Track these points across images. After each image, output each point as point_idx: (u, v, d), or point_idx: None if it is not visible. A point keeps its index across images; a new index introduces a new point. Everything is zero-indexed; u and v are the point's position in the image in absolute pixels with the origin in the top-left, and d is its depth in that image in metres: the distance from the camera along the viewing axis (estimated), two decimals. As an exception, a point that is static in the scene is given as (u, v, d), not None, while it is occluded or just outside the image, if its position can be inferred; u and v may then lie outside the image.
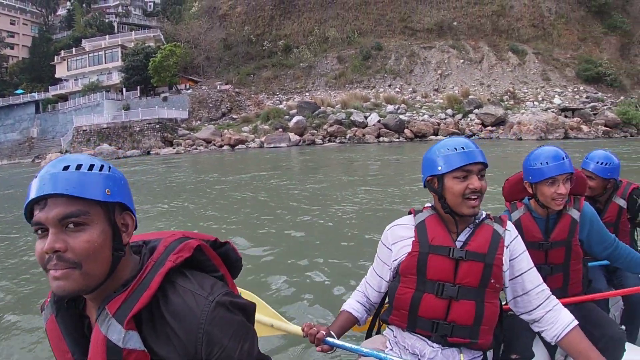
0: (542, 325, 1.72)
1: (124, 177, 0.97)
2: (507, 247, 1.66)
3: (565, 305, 1.89)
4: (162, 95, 32.55)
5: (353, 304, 1.82)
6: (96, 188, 0.90)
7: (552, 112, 25.41)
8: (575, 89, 30.15)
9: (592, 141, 22.96)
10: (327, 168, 14.48)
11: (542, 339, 1.85)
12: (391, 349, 1.72)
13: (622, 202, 2.99)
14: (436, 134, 23.12)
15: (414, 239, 1.66)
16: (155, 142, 27.10)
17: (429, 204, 1.72)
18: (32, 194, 0.87)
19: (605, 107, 26.98)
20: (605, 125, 25.05)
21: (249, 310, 1.01)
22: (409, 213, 1.78)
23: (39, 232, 0.87)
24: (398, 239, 1.72)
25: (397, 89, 28.92)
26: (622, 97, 29.54)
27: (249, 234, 6.12)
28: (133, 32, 42.15)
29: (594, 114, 26.09)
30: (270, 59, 33.11)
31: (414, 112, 24.92)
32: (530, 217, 2.17)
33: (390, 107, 25.32)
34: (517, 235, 1.71)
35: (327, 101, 26.58)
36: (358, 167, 14.11)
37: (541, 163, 1.96)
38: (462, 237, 1.64)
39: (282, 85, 30.81)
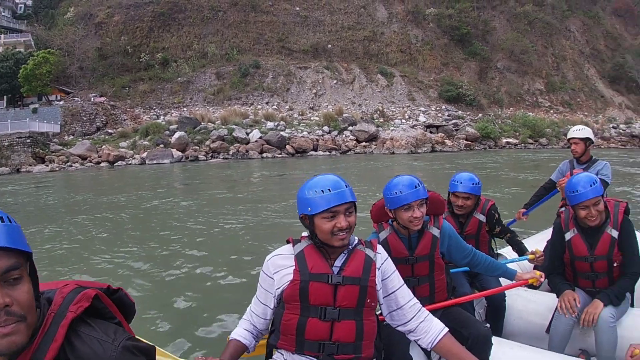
0: (417, 334, 1.94)
1: None
2: (379, 269, 1.85)
3: (434, 310, 2.19)
4: (32, 106, 31.14)
5: (241, 332, 1.92)
6: (21, 238, 0.94)
7: (420, 128, 29.49)
8: (438, 108, 34.83)
9: (456, 153, 27.30)
10: (212, 185, 14.92)
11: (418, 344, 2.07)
12: None
13: (482, 217, 3.44)
14: (315, 150, 25.27)
15: (294, 267, 1.79)
16: (26, 158, 25.69)
17: (305, 233, 1.88)
18: None
19: (465, 124, 31.92)
20: (466, 139, 29.80)
21: (151, 353, 1.08)
22: (287, 242, 1.92)
23: None
24: (279, 268, 1.83)
25: (274, 107, 30.76)
26: (480, 115, 35.43)
27: (128, 263, 6.19)
28: (2, 36, 39.03)
29: (456, 130, 30.69)
30: (147, 71, 33.02)
31: (293, 128, 26.71)
32: (395, 237, 2.46)
33: (270, 124, 26.76)
34: (387, 258, 1.92)
35: (207, 117, 28.13)
36: (243, 184, 14.73)
37: (397, 192, 2.23)
38: (338, 263, 1.82)
39: (159, 100, 30.78)
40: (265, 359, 2.01)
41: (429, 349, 1.94)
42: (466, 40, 40.68)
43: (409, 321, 1.92)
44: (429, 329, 1.90)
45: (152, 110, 30.63)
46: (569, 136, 4.54)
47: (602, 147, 34.94)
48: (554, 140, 32.55)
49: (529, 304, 3.25)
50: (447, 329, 1.92)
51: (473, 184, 3.23)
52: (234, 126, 24.85)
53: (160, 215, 9.62)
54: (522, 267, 3.70)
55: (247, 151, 22.88)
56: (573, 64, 47.05)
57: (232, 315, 4.26)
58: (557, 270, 3.13)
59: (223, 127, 24.99)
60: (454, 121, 31.91)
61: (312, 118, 29.32)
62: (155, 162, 22.23)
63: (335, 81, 33.88)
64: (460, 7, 41.72)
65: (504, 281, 3.24)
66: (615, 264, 2.98)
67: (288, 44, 36.29)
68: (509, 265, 3.19)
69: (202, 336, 3.95)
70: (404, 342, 2.19)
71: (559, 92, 43.48)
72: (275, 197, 11.23)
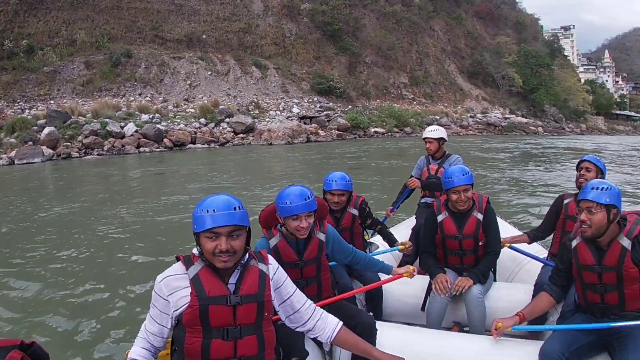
0: (315, 332, 2.12)
1: None
2: (272, 280, 1.98)
3: (322, 306, 2.31)
4: None
5: (139, 352, 1.94)
6: None
7: (295, 120, 31.79)
8: (311, 100, 37.48)
9: (329, 143, 29.74)
10: (87, 186, 14.19)
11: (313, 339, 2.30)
12: None
13: (355, 211, 3.87)
14: (194, 142, 25.51)
15: (190, 291, 1.82)
16: None
17: (195, 251, 1.92)
18: None
19: (336, 115, 35.18)
20: (338, 130, 32.73)
21: None
22: (177, 259, 1.96)
23: None
24: (173, 290, 1.85)
25: (147, 98, 30.43)
26: (350, 106, 39.15)
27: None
28: None
29: (328, 121, 33.62)
30: (10, 60, 31.03)
31: (169, 121, 26.79)
32: (285, 242, 2.66)
33: (145, 117, 26.19)
34: (278, 267, 2.06)
35: (77, 110, 27.18)
36: (120, 183, 14.14)
37: (288, 202, 2.38)
38: (233, 280, 1.90)
39: (24, 92, 29.29)
40: None
41: (328, 343, 2.18)
42: (337, 35, 44.14)
43: (306, 322, 2.10)
44: (325, 325, 2.11)
45: (17, 104, 28.49)
46: (424, 136, 5.13)
47: (461, 134, 40.79)
48: (417, 129, 36.90)
49: (404, 287, 3.62)
50: (341, 323, 2.15)
51: (346, 181, 3.64)
52: (107, 119, 24.24)
53: (32, 222, 9.03)
54: (394, 256, 4.35)
55: (123, 146, 22.33)
56: (435, 60, 52.91)
57: (119, 331, 4.28)
58: (430, 249, 3.62)
59: (95, 120, 24.31)
60: (325, 112, 34.82)
61: (187, 110, 29.78)
62: (25, 161, 20.73)
63: (209, 72, 34.67)
64: (334, 3, 45.29)
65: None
66: (480, 243, 3.49)
67: (162, 33, 36.25)
68: (383, 255, 3.83)
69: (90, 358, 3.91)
70: (300, 338, 2.39)
71: (421, 85, 48.88)
72: (156, 196, 11.05)
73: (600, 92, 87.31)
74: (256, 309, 1.89)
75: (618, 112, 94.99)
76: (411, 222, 5.08)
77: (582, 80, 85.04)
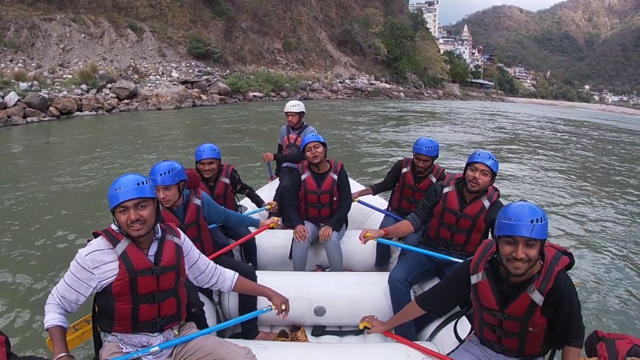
0: (218, 285, 2.61)
1: None
2: (184, 249, 2.40)
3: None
4: None
5: (57, 317, 2.17)
6: None
7: (180, 85, 32.04)
8: (189, 64, 37.79)
9: (214, 107, 30.40)
10: None
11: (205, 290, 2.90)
12: (126, 350, 2.25)
13: (227, 180, 4.36)
14: (81, 110, 24.04)
15: (119, 264, 2.14)
16: None
17: (114, 226, 2.21)
18: None
19: (215, 79, 35.94)
20: (219, 94, 33.48)
21: None
22: (95, 234, 2.23)
23: None
24: (99, 263, 2.13)
25: (20, 64, 28.30)
26: (227, 71, 40.24)
27: None
28: None
29: (209, 85, 34.27)
30: None
31: (49, 88, 25.14)
32: (166, 211, 3.15)
33: (24, 85, 24.13)
34: (185, 237, 2.47)
35: None
36: (9, 158, 12.51)
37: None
38: (152, 252, 2.26)
39: None
40: (94, 342, 2.38)
41: (229, 292, 2.79)
42: (214, 0, 44.63)
43: (210, 279, 2.56)
44: (225, 278, 2.60)
45: None
46: (286, 110, 5.67)
47: (332, 98, 44.01)
48: (292, 94, 39.51)
49: (273, 240, 4.35)
50: (237, 274, 2.64)
51: (213, 150, 4.11)
52: None
53: None
54: (262, 216, 4.82)
55: (9, 117, 20.11)
56: (308, 28, 55.82)
57: (27, 310, 4.33)
58: (294, 203, 4.27)
59: None
60: (205, 77, 35.40)
61: (64, 76, 28.59)
62: None
63: (83, 35, 33.33)
64: (210, -34, 45.72)
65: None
66: (335, 198, 4.22)
67: None
68: (253, 215, 4.42)
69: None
70: (194, 292, 2.82)
71: (294, 51, 51.44)
72: (44, 169, 10.44)
73: (457, 62, 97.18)
74: (175, 276, 2.29)
75: (473, 80, 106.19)
76: (275, 183, 5.86)
77: (442, 51, 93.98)
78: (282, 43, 50.48)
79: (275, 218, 4.07)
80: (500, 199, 3.33)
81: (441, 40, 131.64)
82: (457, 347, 2.63)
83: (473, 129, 24.88)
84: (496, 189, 3.33)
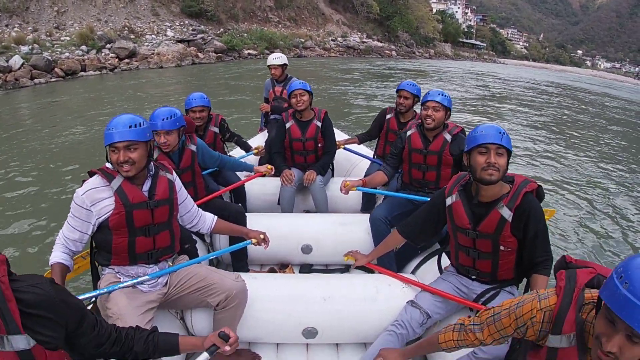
0: (198, 226, 2.81)
1: None
2: (176, 185, 2.54)
3: (200, 205, 3.08)
4: None
5: (61, 256, 2.31)
6: None
7: (180, 44, 32.40)
8: (182, 23, 37.84)
9: (213, 64, 31.11)
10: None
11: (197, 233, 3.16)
12: (123, 280, 2.41)
13: (216, 129, 4.61)
14: (85, 70, 24.50)
15: (115, 199, 2.26)
16: None
17: (109, 164, 2.33)
18: None
19: (210, 38, 36.16)
20: (215, 52, 34.02)
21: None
22: (91, 173, 2.34)
23: None
24: (96, 200, 2.25)
25: (16, 29, 28.17)
26: (221, 29, 40.25)
27: None
28: None
29: (205, 44, 34.65)
30: None
31: (50, 51, 25.07)
32: (163, 156, 3.25)
33: (25, 48, 24.14)
34: (176, 176, 2.59)
35: None
36: (34, 115, 13.02)
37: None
38: (146, 188, 2.38)
39: None
40: (92, 276, 2.52)
41: (208, 233, 3.03)
42: None
43: (193, 219, 2.76)
44: (205, 220, 2.81)
45: None
46: (269, 63, 5.80)
47: (325, 56, 44.21)
48: (286, 52, 39.39)
49: (262, 187, 4.54)
50: (216, 217, 2.88)
51: (203, 98, 4.27)
52: None
53: None
54: (249, 160, 4.99)
55: (16, 79, 20.51)
56: (299, -15, 56.29)
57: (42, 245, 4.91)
58: (280, 150, 4.46)
59: None
60: (200, 36, 35.48)
61: (62, 38, 28.49)
62: None
63: None
64: None
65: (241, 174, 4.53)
66: (319, 145, 4.41)
67: None
68: (244, 160, 4.66)
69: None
70: (188, 231, 3.01)
71: (286, 9, 51.32)
72: (53, 125, 11.13)
73: (449, 22, 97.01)
74: (168, 209, 2.44)
75: (465, 40, 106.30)
76: (264, 135, 6.00)
77: (434, 10, 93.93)
78: (274, 1, 50.34)
79: (269, 166, 4.29)
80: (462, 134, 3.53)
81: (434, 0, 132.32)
82: (436, 279, 2.79)
83: (458, 87, 25.92)
84: (458, 126, 3.55)
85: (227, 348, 1.80)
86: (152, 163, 2.43)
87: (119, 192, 2.26)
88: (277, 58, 5.77)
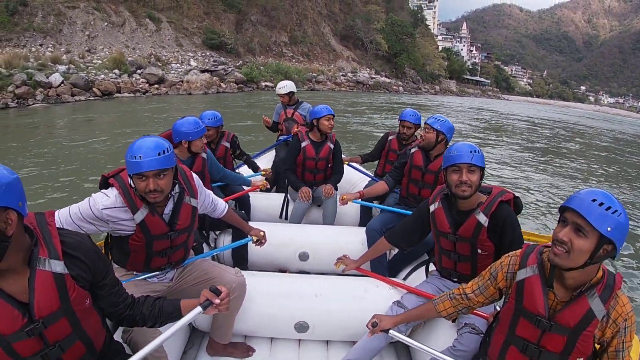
0: (213, 213, 2.95)
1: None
2: (198, 209, 2.64)
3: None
4: None
5: None
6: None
7: (207, 73, 34.02)
8: (204, 54, 39.88)
9: (235, 94, 32.72)
10: (63, 128, 14.73)
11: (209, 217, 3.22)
12: (135, 274, 2.55)
13: (227, 144, 4.90)
14: (120, 92, 26.20)
15: (137, 229, 2.32)
16: None
17: (131, 182, 2.26)
18: None
19: (231, 69, 37.98)
20: (236, 83, 35.81)
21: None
22: (108, 182, 2.32)
23: None
24: (115, 219, 2.27)
25: (50, 49, 29.80)
26: (240, 62, 42.26)
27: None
28: None
29: (225, 74, 36.29)
30: None
31: (85, 72, 26.56)
32: (179, 162, 2.96)
33: (62, 68, 25.58)
34: (200, 184, 2.67)
35: None
36: (55, 129, 14.39)
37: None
38: (167, 210, 2.42)
39: None
40: None
41: (218, 217, 3.01)
42: None
43: (208, 206, 2.87)
44: (216, 207, 2.95)
45: None
46: (277, 92, 6.07)
47: (336, 90, 46.46)
48: (300, 85, 41.55)
49: (265, 201, 4.87)
50: (227, 206, 3.02)
51: (212, 118, 4.54)
52: (31, 71, 23.31)
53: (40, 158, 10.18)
54: (256, 180, 5.11)
55: (58, 95, 22.17)
56: (312, 22, 58.52)
57: None
58: (292, 167, 4.66)
59: (22, 71, 22.69)
60: (221, 67, 37.29)
61: (94, 61, 29.98)
62: None
63: (106, 23, 35.13)
64: (223, -39, 47.17)
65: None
66: (329, 165, 4.65)
67: None
68: (250, 179, 4.81)
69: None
70: (195, 232, 3.00)
71: (300, 44, 53.99)
72: (88, 138, 12.34)
73: (454, 59, 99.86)
74: (186, 235, 2.56)
75: (469, 77, 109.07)
76: (271, 155, 6.31)
77: (440, 48, 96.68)
78: (288, 36, 52.99)
79: (265, 181, 4.67)
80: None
81: (440, 37, 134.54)
82: (421, 283, 2.93)
83: (459, 120, 27.36)
84: None
85: (217, 301, 1.87)
86: (176, 185, 2.43)
87: (142, 225, 2.30)
88: (282, 87, 6.08)
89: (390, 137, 5.00)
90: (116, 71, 28.77)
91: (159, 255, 2.47)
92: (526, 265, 1.86)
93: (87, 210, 2.21)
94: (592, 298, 1.69)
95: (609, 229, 1.55)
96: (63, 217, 2.18)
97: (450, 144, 3.24)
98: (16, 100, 21.30)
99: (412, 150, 3.86)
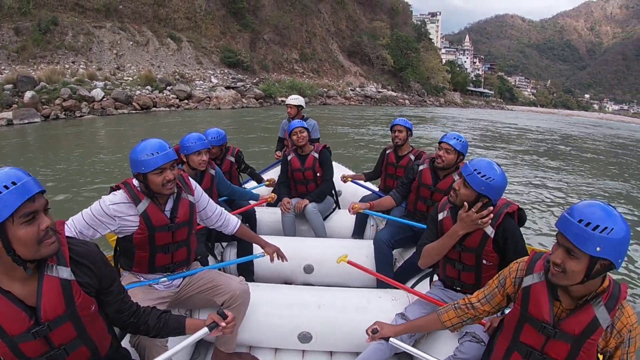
0: (223, 227, 3.01)
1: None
2: (196, 204, 2.75)
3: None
4: None
5: None
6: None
7: (231, 89, 36.20)
8: (223, 72, 41.94)
9: (256, 108, 34.57)
10: (108, 139, 16.53)
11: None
12: (142, 280, 2.63)
13: (232, 159, 4.88)
14: (156, 106, 28.45)
15: (139, 221, 2.45)
16: None
17: (136, 182, 2.49)
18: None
19: (249, 86, 39.86)
20: (256, 98, 37.82)
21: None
22: (116, 188, 2.51)
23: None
24: (122, 214, 2.42)
25: (82, 66, 31.39)
26: (256, 79, 44.49)
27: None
28: None
29: (245, 90, 38.27)
30: None
31: (120, 88, 28.24)
32: (186, 175, 2.87)
33: (100, 84, 27.23)
34: (196, 186, 2.79)
35: (37, 76, 25.36)
36: (100, 138, 16.35)
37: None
38: (168, 207, 2.55)
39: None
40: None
41: (231, 234, 3.06)
42: (240, 13, 48.72)
43: (217, 221, 2.96)
44: (229, 223, 3.01)
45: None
46: (287, 102, 6.15)
47: (346, 104, 48.34)
48: (312, 99, 44.02)
49: (271, 216, 4.88)
50: (240, 221, 3.07)
51: (216, 136, 4.56)
52: (74, 85, 24.95)
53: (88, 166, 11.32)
54: (261, 190, 5.37)
55: (103, 108, 24.22)
56: (321, 39, 60.77)
57: None
58: (285, 181, 4.82)
59: (67, 86, 24.44)
60: (240, 83, 39.19)
61: (124, 78, 31.47)
62: (26, 121, 20.33)
63: (131, 43, 36.75)
64: (237, -17, 49.42)
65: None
66: (318, 174, 4.70)
67: (81, 1, 36.62)
68: (255, 190, 4.96)
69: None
70: (200, 245, 3.31)
71: (309, 61, 56.26)
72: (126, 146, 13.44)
73: (458, 71, 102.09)
74: (187, 229, 2.64)
75: (473, 89, 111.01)
76: (278, 170, 6.08)
77: (444, 61, 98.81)
78: (299, 53, 55.37)
79: (273, 194, 4.69)
80: None
81: (443, 50, 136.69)
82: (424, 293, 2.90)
83: (462, 131, 28.24)
84: None
85: (223, 324, 1.96)
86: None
87: (144, 215, 2.46)
88: (294, 99, 6.10)
89: (387, 151, 4.96)
90: (148, 87, 30.63)
91: (162, 251, 2.59)
92: (533, 272, 1.87)
93: (97, 209, 2.39)
94: (597, 306, 1.68)
95: (597, 249, 1.52)
96: (76, 220, 2.40)
97: (465, 160, 3.38)
98: (64, 112, 23.14)
99: (421, 167, 3.82)
